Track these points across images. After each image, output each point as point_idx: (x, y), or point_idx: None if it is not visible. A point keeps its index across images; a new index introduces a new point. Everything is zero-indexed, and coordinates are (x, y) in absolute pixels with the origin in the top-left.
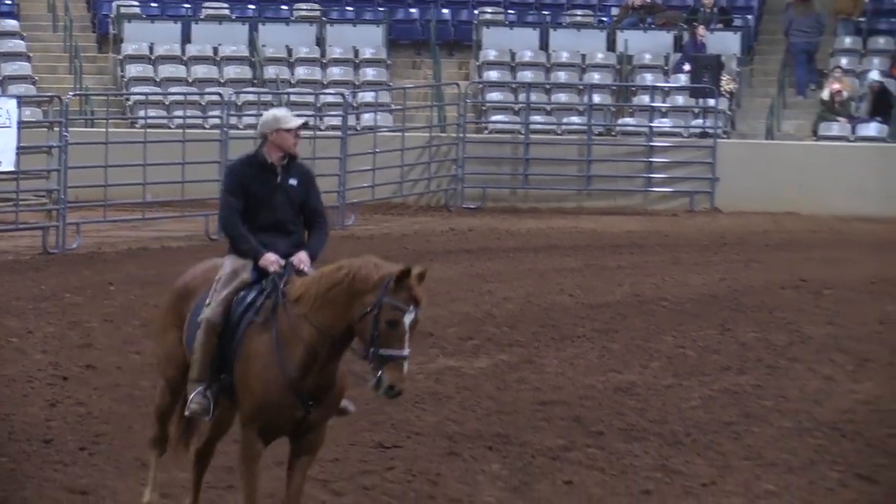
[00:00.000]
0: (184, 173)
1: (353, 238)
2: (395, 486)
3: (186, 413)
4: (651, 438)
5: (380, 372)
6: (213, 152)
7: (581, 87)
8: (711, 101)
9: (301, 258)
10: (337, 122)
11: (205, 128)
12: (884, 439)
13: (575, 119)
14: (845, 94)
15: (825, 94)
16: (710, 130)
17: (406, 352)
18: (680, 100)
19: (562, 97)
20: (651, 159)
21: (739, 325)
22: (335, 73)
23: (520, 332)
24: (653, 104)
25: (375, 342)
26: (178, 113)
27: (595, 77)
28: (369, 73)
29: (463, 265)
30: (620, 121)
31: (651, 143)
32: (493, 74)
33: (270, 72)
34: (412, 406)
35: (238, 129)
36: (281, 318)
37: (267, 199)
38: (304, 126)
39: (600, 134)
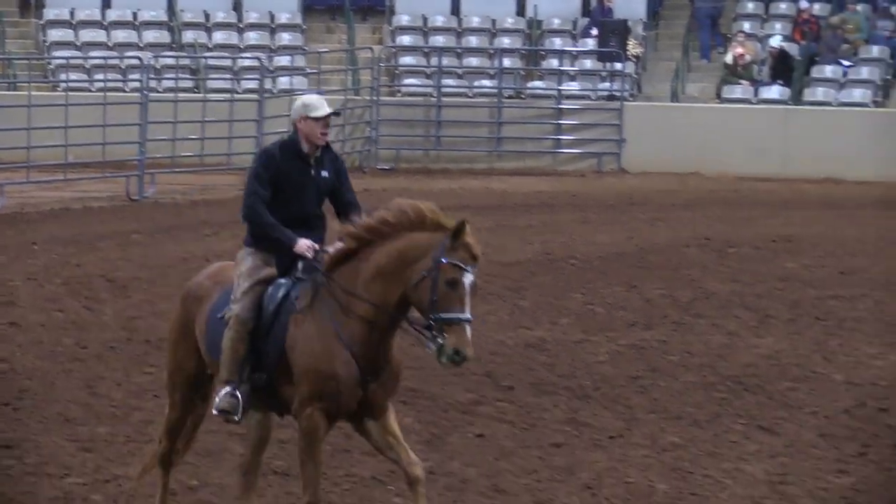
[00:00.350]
0: (105, 135)
1: None
2: None
3: (214, 412)
4: (560, 392)
5: (440, 339)
6: (133, 115)
7: (492, 51)
8: (618, 65)
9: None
10: (254, 85)
11: (125, 91)
12: (784, 392)
13: (486, 82)
14: (748, 57)
15: (729, 58)
16: (617, 93)
17: (468, 314)
18: (588, 63)
19: (473, 61)
20: (560, 121)
21: (646, 283)
22: (252, 37)
23: None
24: (561, 68)
25: (435, 306)
26: (99, 76)
27: (505, 41)
28: (285, 38)
29: None
30: (530, 84)
31: (560, 106)
32: (405, 39)
33: (188, 36)
34: None
35: (157, 91)
36: (328, 299)
37: (300, 189)
38: (336, 114)
39: (510, 97)
